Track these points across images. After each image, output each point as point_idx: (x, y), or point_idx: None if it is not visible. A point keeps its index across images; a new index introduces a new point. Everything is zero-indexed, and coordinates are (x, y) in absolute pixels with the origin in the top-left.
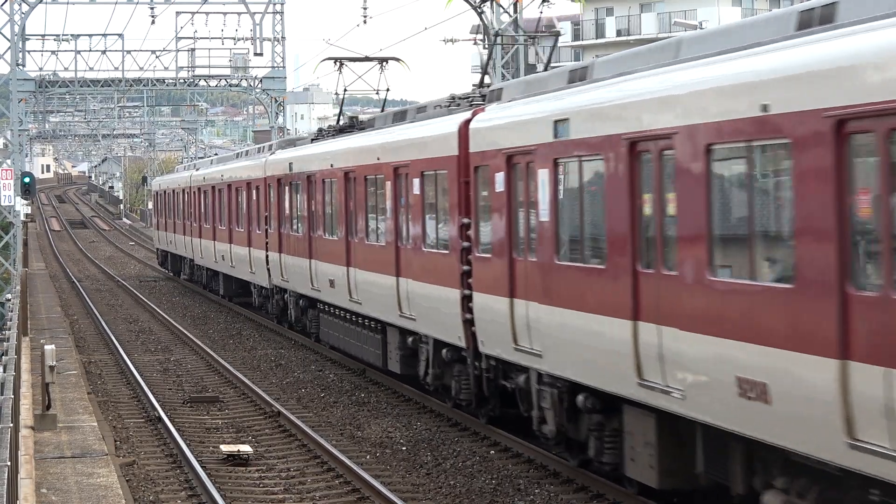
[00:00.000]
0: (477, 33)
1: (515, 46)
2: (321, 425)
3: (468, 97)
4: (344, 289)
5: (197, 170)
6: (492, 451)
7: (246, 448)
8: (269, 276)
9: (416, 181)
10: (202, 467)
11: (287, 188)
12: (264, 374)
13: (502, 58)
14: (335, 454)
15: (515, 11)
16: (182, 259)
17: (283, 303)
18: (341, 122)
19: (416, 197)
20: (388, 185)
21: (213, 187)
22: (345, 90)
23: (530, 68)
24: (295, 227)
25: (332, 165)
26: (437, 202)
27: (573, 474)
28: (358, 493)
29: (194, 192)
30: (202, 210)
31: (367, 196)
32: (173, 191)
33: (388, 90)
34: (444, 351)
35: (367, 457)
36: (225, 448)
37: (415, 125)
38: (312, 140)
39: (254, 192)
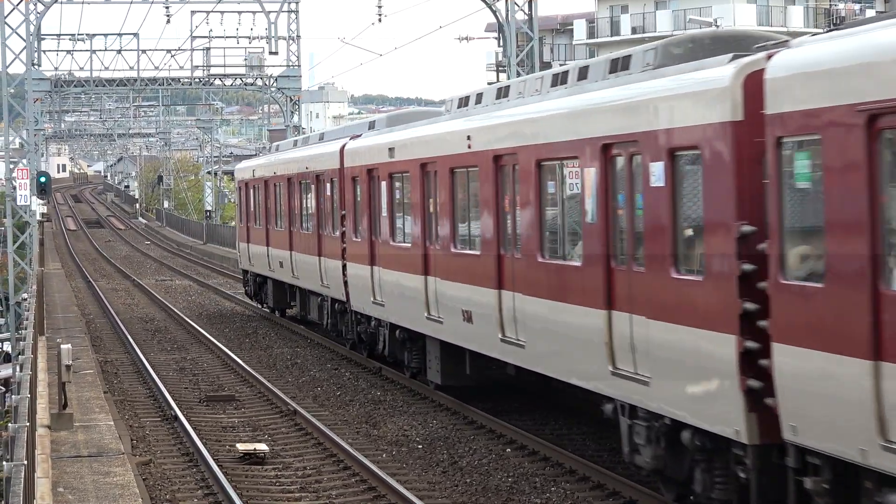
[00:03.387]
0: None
1: (530, 44)
2: (337, 424)
3: None
4: None
5: (354, 138)
6: (508, 449)
7: (262, 447)
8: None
9: None
10: (218, 466)
11: None
12: (280, 373)
13: (517, 56)
14: (351, 453)
15: (530, 9)
16: (304, 295)
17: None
18: None
19: None
20: None
21: (425, 166)
22: None
23: (545, 66)
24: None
25: None
26: None
27: (589, 472)
28: (374, 492)
29: (356, 181)
30: (385, 214)
31: None
32: (289, 180)
33: None
34: None
35: (383, 455)
36: (241, 447)
37: None
38: None
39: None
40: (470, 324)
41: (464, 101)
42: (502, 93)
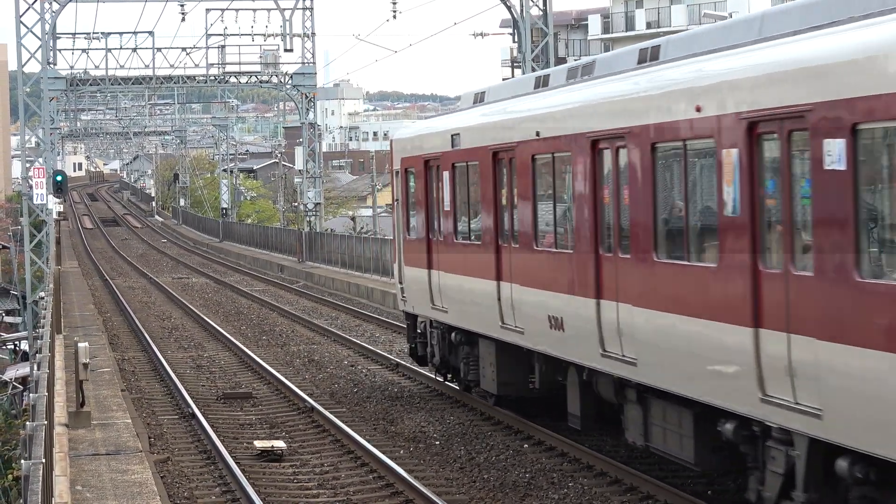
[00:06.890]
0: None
1: (545, 40)
2: (354, 420)
3: None
4: None
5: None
6: (525, 445)
7: (280, 444)
8: None
9: None
10: (236, 463)
11: None
12: (297, 370)
13: (532, 52)
14: (369, 449)
15: (545, 5)
16: (638, 397)
17: None
18: None
19: None
20: None
21: None
22: None
23: (560, 62)
24: None
25: None
26: None
27: (607, 467)
28: (392, 488)
29: None
30: None
31: None
32: (595, 146)
33: None
34: None
35: (401, 451)
36: (259, 444)
37: None
38: None
39: None
40: None
41: None
42: None
